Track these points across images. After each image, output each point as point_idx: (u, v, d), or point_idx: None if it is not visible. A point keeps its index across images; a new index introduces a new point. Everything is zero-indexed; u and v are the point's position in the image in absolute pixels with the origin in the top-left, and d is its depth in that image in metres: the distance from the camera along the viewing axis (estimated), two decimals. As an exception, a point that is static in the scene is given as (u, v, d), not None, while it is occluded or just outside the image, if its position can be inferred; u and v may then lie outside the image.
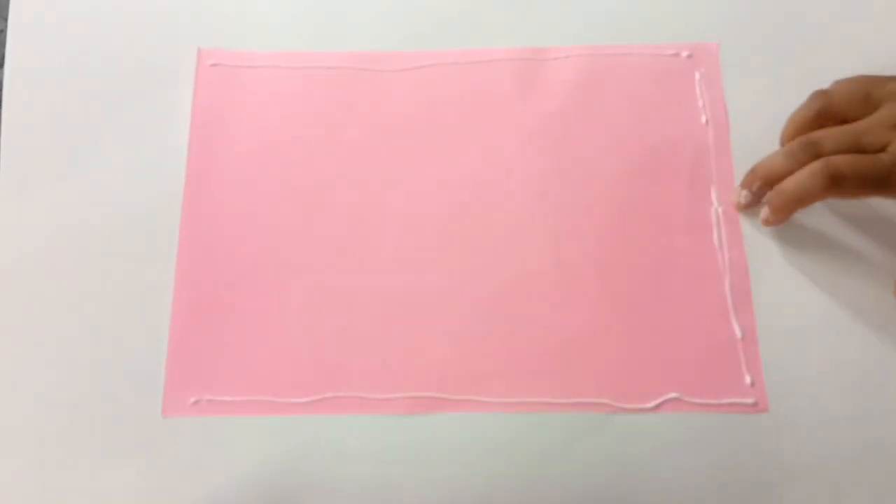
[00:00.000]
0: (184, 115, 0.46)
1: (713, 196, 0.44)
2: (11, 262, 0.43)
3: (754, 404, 0.40)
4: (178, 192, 0.44)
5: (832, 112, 0.41)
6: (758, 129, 0.45)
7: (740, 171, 0.44)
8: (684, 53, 0.47)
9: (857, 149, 0.39)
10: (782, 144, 0.43)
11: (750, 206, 0.43)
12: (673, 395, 0.40)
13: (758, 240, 0.43)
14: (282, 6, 0.49)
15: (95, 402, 0.40)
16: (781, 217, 0.41)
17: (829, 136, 0.40)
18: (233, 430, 0.40)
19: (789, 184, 0.40)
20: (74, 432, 0.40)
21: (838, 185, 0.38)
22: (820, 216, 0.43)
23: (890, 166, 0.38)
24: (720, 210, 0.44)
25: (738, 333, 0.41)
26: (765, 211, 0.42)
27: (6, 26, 0.48)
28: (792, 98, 0.45)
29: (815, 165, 0.38)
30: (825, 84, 0.42)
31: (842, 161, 0.38)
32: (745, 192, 0.43)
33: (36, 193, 0.44)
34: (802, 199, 0.39)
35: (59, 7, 0.49)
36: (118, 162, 0.45)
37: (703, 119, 0.46)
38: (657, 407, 0.40)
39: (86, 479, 0.39)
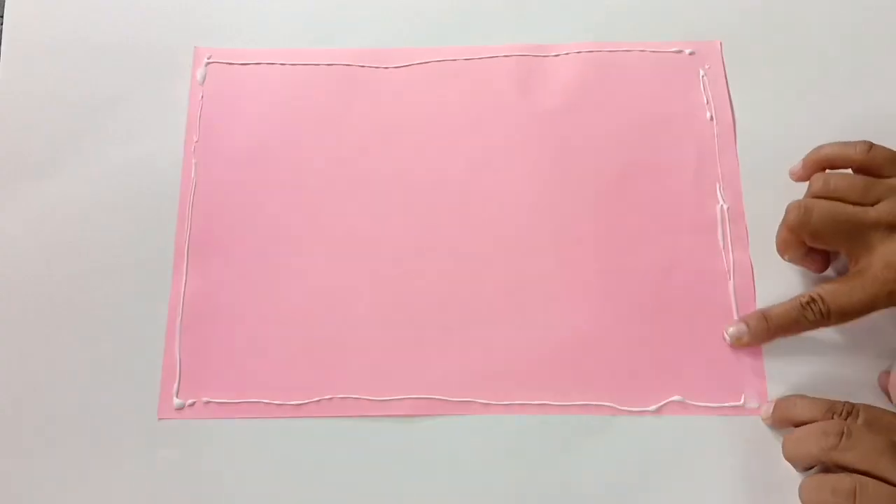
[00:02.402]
0: (180, 114, 0.46)
1: (718, 194, 0.43)
2: (7, 263, 0.43)
3: (757, 408, 0.39)
4: (175, 193, 0.44)
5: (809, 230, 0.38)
6: (763, 125, 0.44)
7: (746, 168, 0.44)
8: (687, 51, 0.46)
9: None
10: (780, 253, 0.40)
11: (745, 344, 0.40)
12: (675, 397, 0.40)
13: (763, 240, 0.42)
14: (279, 2, 0.48)
15: (91, 404, 0.40)
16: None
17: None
18: (229, 432, 0.40)
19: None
20: (70, 434, 0.40)
21: (806, 223, 0.37)
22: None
23: (869, 222, 0.37)
24: (725, 208, 0.43)
25: (743, 336, 0.41)
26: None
27: (1, 22, 0.48)
28: (795, 95, 0.44)
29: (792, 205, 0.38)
30: (827, 80, 0.40)
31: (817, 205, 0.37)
32: (742, 328, 0.40)
33: (30, 193, 0.44)
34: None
35: (54, 4, 0.48)
36: (114, 162, 0.45)
37: (708, 115, 0.45)
38: (659, 410, 0.40)
39: (81, 481, 0.39)
